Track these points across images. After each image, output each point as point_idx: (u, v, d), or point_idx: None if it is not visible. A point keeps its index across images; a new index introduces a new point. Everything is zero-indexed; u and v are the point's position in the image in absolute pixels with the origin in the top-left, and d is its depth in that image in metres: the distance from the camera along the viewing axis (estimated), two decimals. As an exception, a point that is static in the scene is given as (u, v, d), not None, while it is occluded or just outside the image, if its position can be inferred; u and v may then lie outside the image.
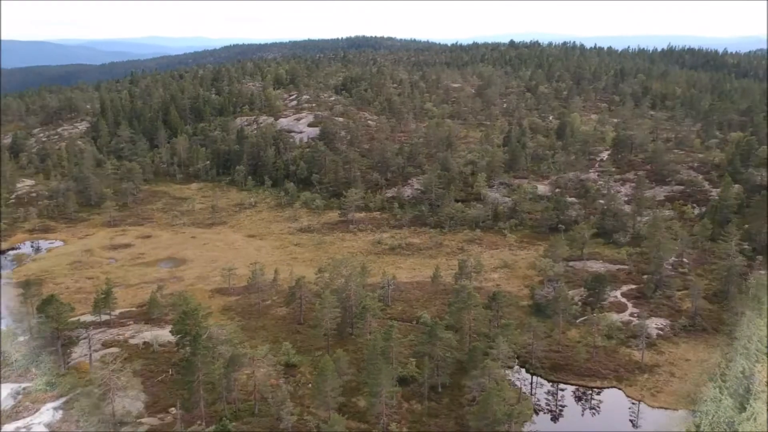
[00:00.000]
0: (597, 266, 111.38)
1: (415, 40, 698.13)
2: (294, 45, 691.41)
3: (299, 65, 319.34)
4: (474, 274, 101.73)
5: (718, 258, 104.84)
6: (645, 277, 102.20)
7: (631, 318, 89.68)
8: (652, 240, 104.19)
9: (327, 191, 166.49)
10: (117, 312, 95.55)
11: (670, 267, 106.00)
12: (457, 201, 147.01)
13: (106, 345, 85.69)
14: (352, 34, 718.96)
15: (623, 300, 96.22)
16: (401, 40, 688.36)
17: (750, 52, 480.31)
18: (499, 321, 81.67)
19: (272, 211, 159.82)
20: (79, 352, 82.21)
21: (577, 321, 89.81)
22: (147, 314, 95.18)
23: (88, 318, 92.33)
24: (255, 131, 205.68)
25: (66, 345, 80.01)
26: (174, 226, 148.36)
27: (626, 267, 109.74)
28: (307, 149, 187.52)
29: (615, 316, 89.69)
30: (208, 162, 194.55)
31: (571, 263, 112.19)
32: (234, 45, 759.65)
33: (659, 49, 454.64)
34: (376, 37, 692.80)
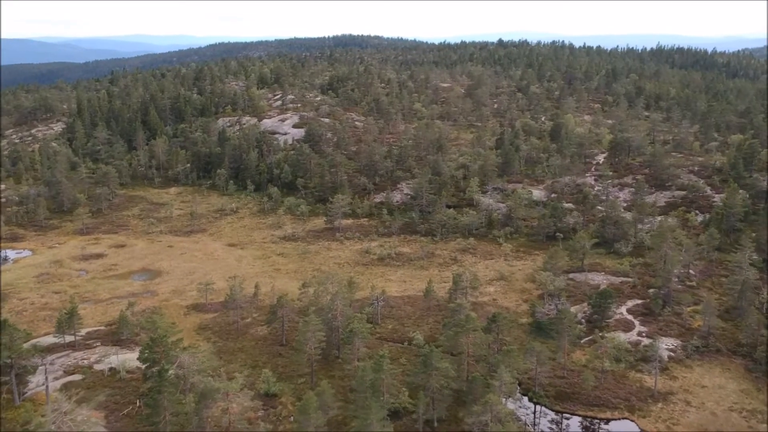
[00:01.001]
0: (599, 278, 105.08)
1: (402, 38, 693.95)
2: (279, 43, 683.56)
3: (284, 64, 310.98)
4: (470, 289, 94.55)
5: (727, 270, 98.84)
6: (651, 291, 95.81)
7: (640, 338, 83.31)
8: (658, 251, 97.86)
9: (312, 196, 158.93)
10: (83, 332, 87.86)
11: (677, 279, 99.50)
12: (448, 207, 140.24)
13: (68, 372, 78.05)
14: (339, 33, 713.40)
15: (629, 317, 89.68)
16: (388, 38, 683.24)
17: (738, 51, 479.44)
18: (500, 345, 74.83)
19: (254, 218, 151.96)
20: (36, 381, 74.42)
21: (582, 341, 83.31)
22: (116, 334, 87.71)
23: (51, 339, 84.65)
24: (237, 133, 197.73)
25: (21, 374, 72.19)
26: (150, 234, 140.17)
27: (630, 280, 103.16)
28: (292, 152, 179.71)
29: (622, 336, 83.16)
30: (188, 165, 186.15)
31: (571, 275, 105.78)
32: (219, 43, 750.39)
33: (648, 49, 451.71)
34: (362, 35, 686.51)
